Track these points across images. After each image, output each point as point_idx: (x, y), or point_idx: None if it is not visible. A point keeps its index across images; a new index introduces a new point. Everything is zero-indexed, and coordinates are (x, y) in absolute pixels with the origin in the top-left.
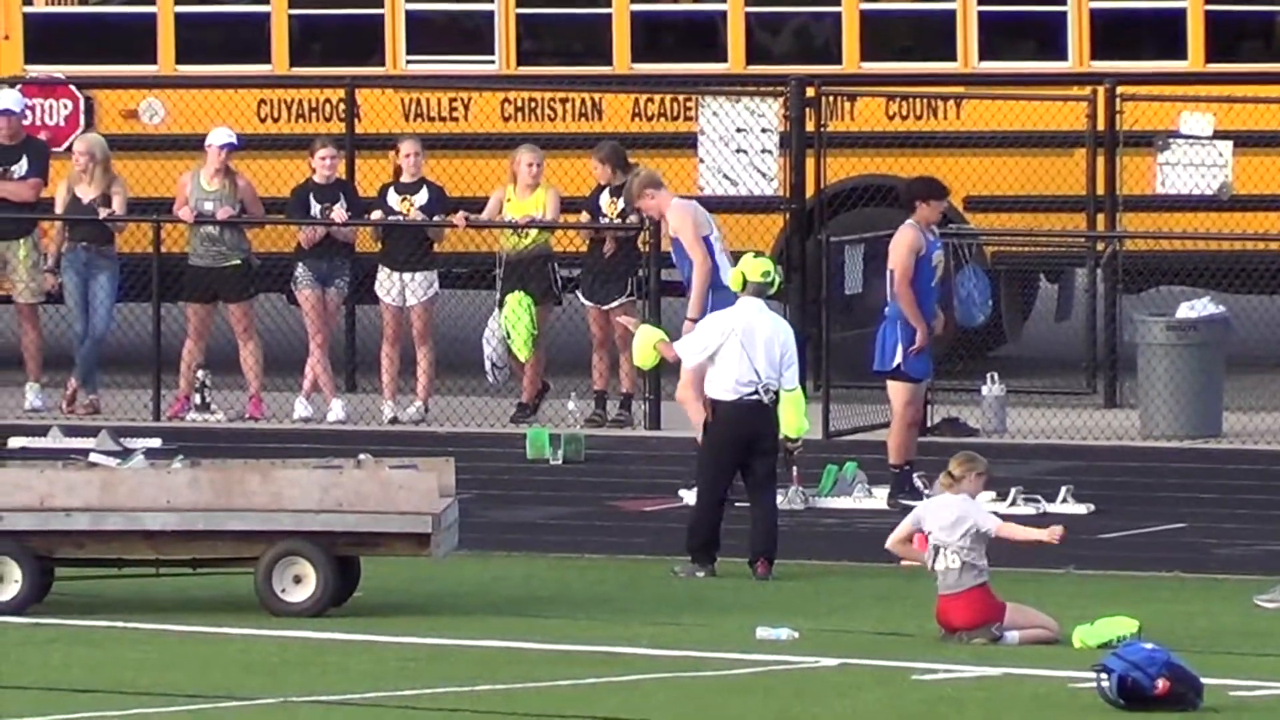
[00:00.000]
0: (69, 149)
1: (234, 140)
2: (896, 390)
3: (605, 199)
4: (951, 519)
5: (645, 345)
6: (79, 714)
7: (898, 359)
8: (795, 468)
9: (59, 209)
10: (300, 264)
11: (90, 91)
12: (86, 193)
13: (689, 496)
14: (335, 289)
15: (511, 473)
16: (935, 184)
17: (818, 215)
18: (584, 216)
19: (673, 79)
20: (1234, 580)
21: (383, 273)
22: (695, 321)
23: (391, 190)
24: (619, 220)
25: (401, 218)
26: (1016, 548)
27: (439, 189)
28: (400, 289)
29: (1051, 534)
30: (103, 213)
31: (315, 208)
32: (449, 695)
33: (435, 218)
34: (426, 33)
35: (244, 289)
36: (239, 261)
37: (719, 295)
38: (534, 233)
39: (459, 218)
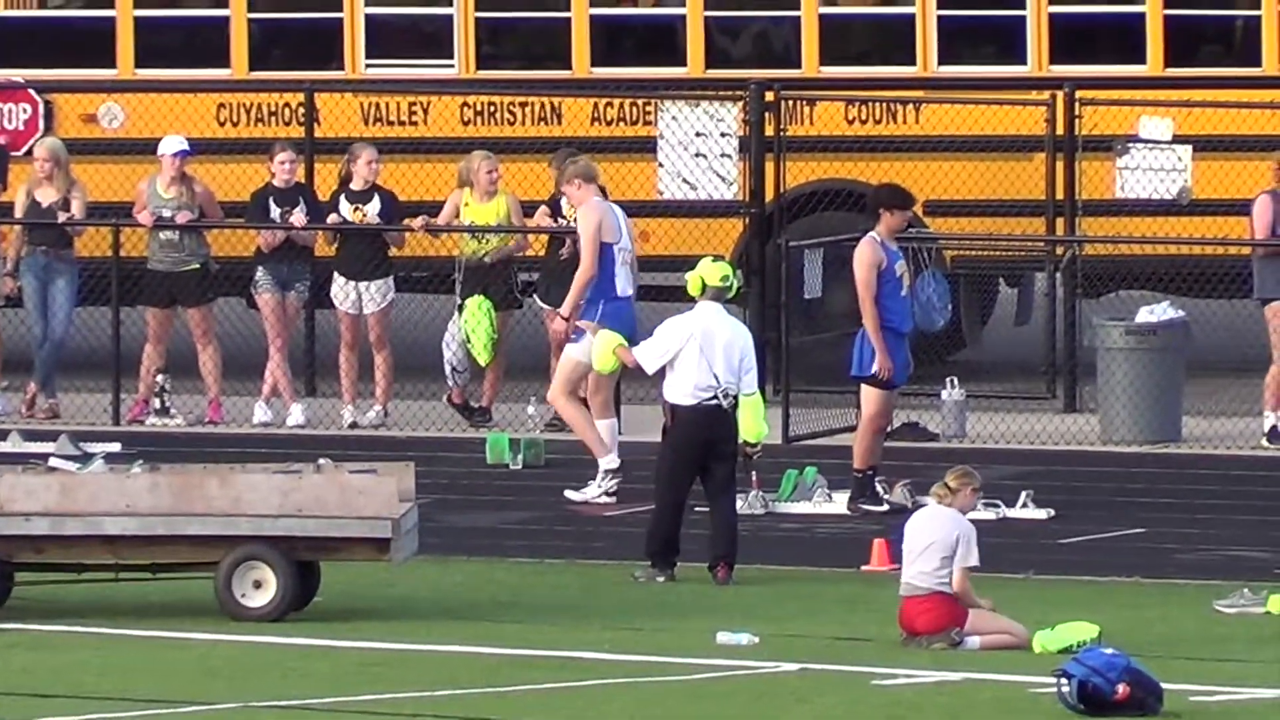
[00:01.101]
0: (28, 153)
1: (186, 147)
2: (870, 396)
3: (565, 203)
4: (943, 533)
5: (604, 350)
6: (39, 719)
7: (875, 366)
8: (755, 472)
9: (18, 213)
10: (260, 268)
11: (49, 95)
12: (46, 197)
13: (574, 496)
14: (295, 293)
15: (471, 477)
16: (901, 193)
17: (777, 220)
18: (540, 219)
19: (632, 83)
20: (1194, 585)
21: (339, 280)
22: (565, 320)
23: (343, 199)
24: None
25: (357, 225)
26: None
27: (391, 195)
28: (356, 297)
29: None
30: (61, 217)
31: (275, 212)
32: (409, 700)
33: (391, 223)
34: (386, 37)
35: (203, 293)
36: (198, 266)
37: (607, 306)
38: (495, 238)
39: (418, 222)
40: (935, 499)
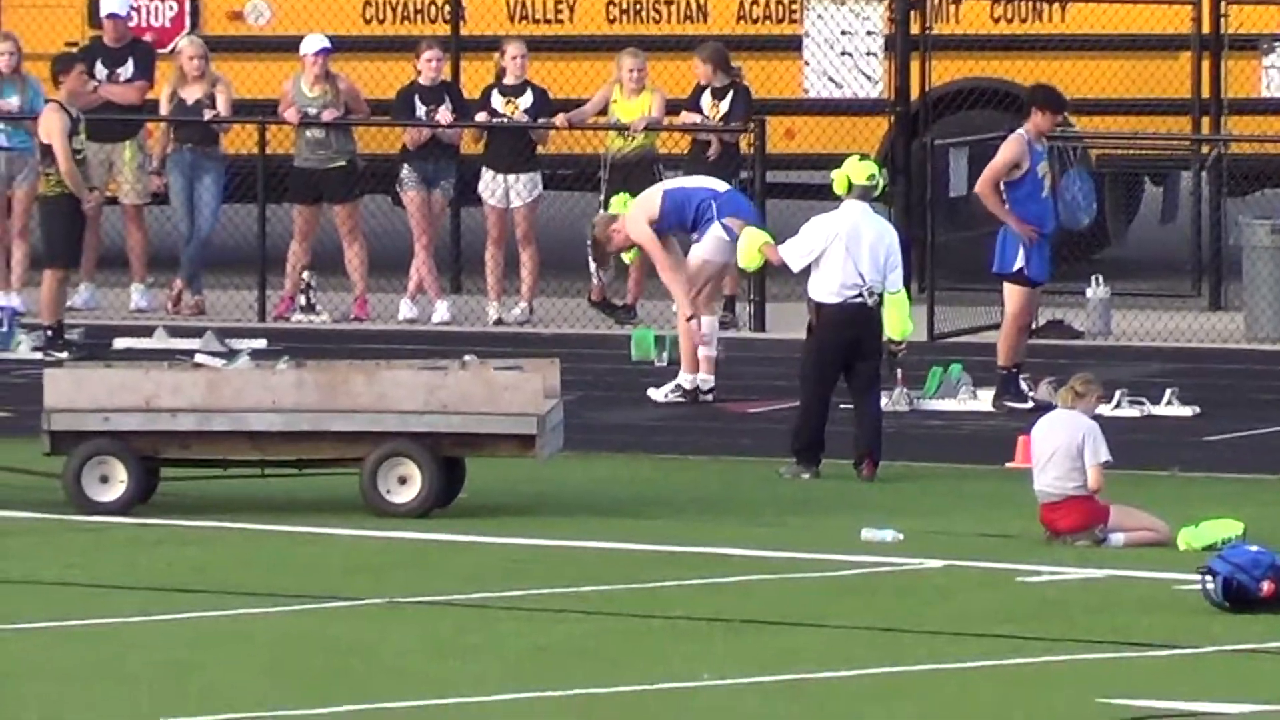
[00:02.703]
0: (173, 50)
1: (327, 44)
2: (1013, 293)
3: (707, 100)
4: (1066, 437)
5: (750, 247)
6: (185, 614)
7: (1019, 263)
8: (899, 369)
9: (164, 110)
10: (405, 165)
11: None
12: (191, 94)
13: (656, 395)
14: (440, 190)
15: (616, 374)
16: (1055, 94)
17: (922, 118)
18: (686, 117)
19: None
20: None
21: (487, 174)
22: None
23: (495, 92)
24: (720, 121)
25: (506, 119)
26: (1121, 450)
27: (543, 91)
28: (504, 190)
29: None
30: (207, 114)
31: (420, 109)
32: (554, 596)
33: (539, 120)
34: None
35: (349, 190)
36: (344, 163)
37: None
38: (640, 135)
39: (561, 119)
40: (1060, 402)
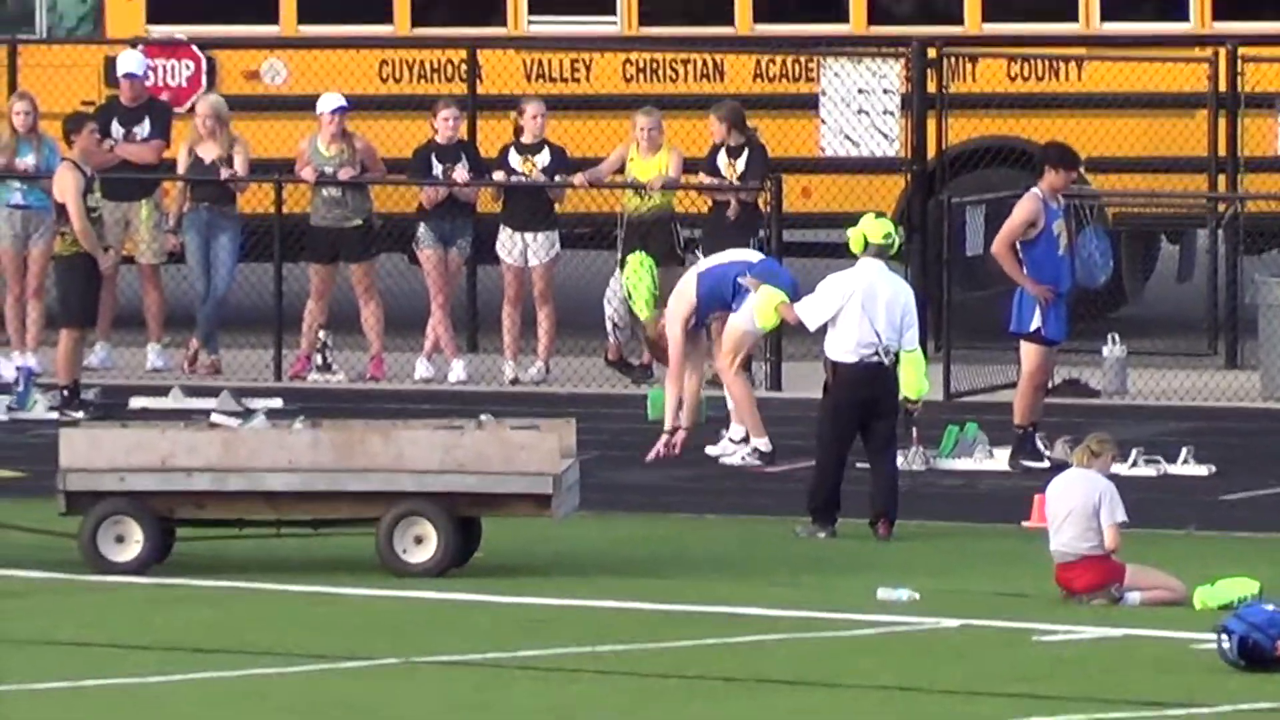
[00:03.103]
0: (190, 109)
1: (344, 104)
2: (1030, 352)
3: (723, 159)
4: (1082, 498)
5: (767, 307)
6: (201, 674)
7: (1035, 322)
8: (915, 429)
9: (180, 169)
10: (422, 224)
11: (212, 52)
12: (208, 153)
13: (730, 459)
14: (457, 249)
15: (632, 434)
16: (1069, 152)
17: (939, 176)
18: (703, 176)
19: (794, 40)
20: None
21: (504, 233)
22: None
23: (513, 150)
24: (736, 180)
25: (523, 178)
26: (1137, 508)
27: (560, 150)
28: (522, 249)
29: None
30: (224, 173)
31: (437, 168)
32: (570, 656)
33: (557, 178)
34: None
35: (365, 249)
36: (360, 222)
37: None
38: (657, 194)
39: (579, 178)
40: (1076, 461)
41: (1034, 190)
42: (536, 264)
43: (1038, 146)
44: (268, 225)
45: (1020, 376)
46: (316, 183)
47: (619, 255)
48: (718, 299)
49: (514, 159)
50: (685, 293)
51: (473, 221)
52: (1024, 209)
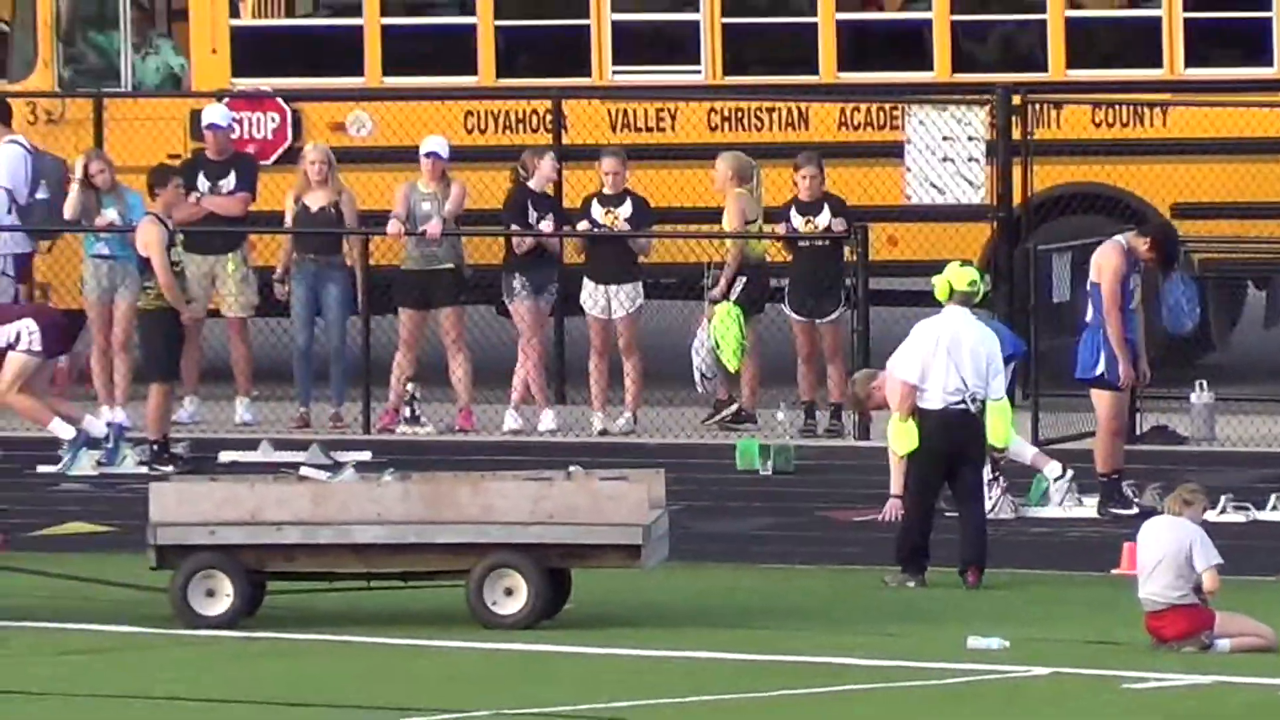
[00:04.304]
0: (277, 162)
1: (443, 151)
2: (1100, 399)
3: (798, 221)
4: (1174, 546)
5: (900, 435)
6: None
7: (1100, 368)
8: (1001, 477)
9: (289, 220)
10: (517, 274)
11: (297, 104)
12: (316, 201)
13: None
14: (545, 299)
15: (721, 484)
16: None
17: (1025, 223)
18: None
19: (879, 88)
20: None
21: (588, 285)
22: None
23: (595, 202)
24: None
25: (608, 230)
26: (1226, 555)
27: (643, 200)
28: (606, 302)
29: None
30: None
31: (533, 216)
32: (662, 707)
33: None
34: (633, 43)
35: (456, 295)
36: (452, 266)
37: None
38: (731, 244)
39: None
40: (1168, 510)
41: (1119, 240)
42: (621, 316)
43: (1124, 193)
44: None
45: (1097, 425)
46: (405, 234)
47: (706, 305)
48: None
49: (596, 211)
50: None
51: (559, 272)
52: (1112, 263)
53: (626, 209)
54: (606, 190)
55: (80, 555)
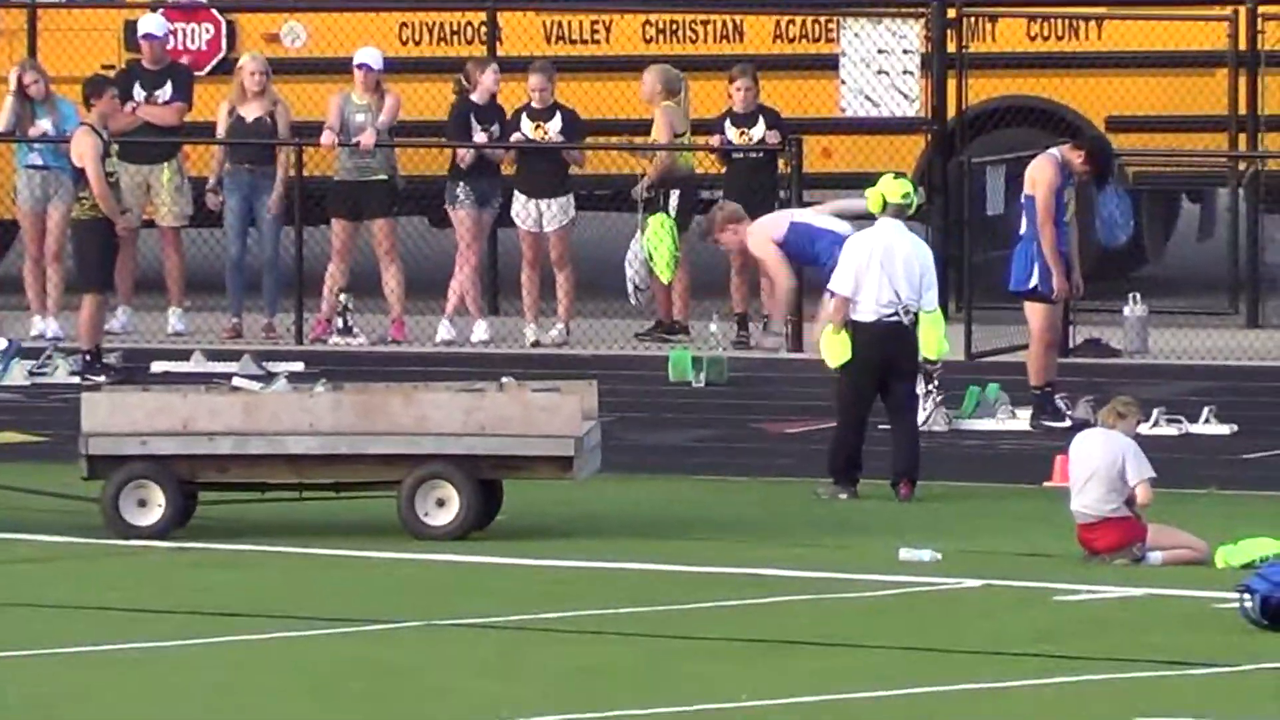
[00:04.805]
0: (210, 72)
1: (376, 63)
2: (1034, 311)
3: (731, 133)
4: (1105, 460)
5: (832, 347)
6: (223, 637)
7: (1034, 280)
8: (935, 387)
9: (220, 129)
10: (461, 183)
11: (231, 15)
12: (251, 111)
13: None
14: (491, 209)
15: (654, 396)
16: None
17: (959, 136)
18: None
19: (814, 0)
20: None
21: (519, 199)
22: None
23: (524, 116)
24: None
25: (537, 143)
26: (1158, 468)
27: (573, 113)
28: (537, 216)
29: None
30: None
31: (476, 128)
32: (592, 618)
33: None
34: None
35: (389, 206)
36: (385, 177)
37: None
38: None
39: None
40: (1101, 422)
41: (1053, 152)
42: (553, 229)
43: (1059, 105)
44: (288, 187)
45: (1030, 338)
46: (342, 144)
47: (639, 217)
48: (796, 252)
49: (525, 125)
50: (774, 227)
51: (500, 183)
52: (1046, 176)
53: (556, 123)
54: (535, 105)
55: (12, 465)
